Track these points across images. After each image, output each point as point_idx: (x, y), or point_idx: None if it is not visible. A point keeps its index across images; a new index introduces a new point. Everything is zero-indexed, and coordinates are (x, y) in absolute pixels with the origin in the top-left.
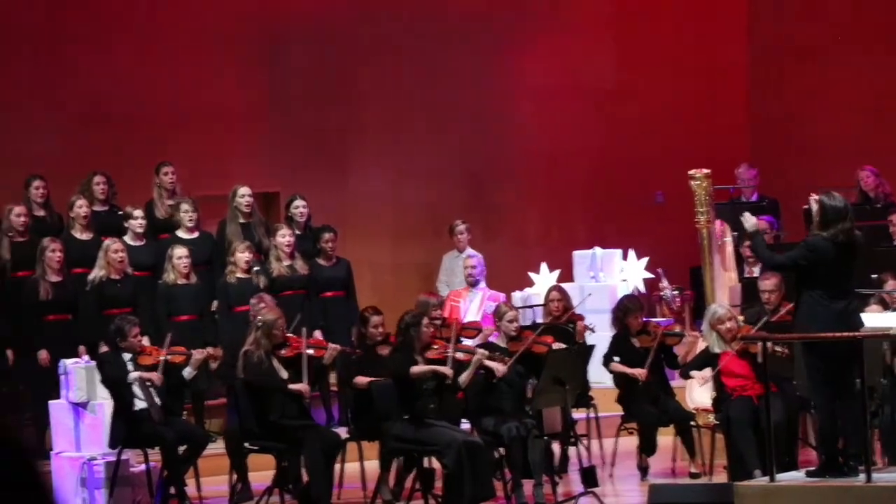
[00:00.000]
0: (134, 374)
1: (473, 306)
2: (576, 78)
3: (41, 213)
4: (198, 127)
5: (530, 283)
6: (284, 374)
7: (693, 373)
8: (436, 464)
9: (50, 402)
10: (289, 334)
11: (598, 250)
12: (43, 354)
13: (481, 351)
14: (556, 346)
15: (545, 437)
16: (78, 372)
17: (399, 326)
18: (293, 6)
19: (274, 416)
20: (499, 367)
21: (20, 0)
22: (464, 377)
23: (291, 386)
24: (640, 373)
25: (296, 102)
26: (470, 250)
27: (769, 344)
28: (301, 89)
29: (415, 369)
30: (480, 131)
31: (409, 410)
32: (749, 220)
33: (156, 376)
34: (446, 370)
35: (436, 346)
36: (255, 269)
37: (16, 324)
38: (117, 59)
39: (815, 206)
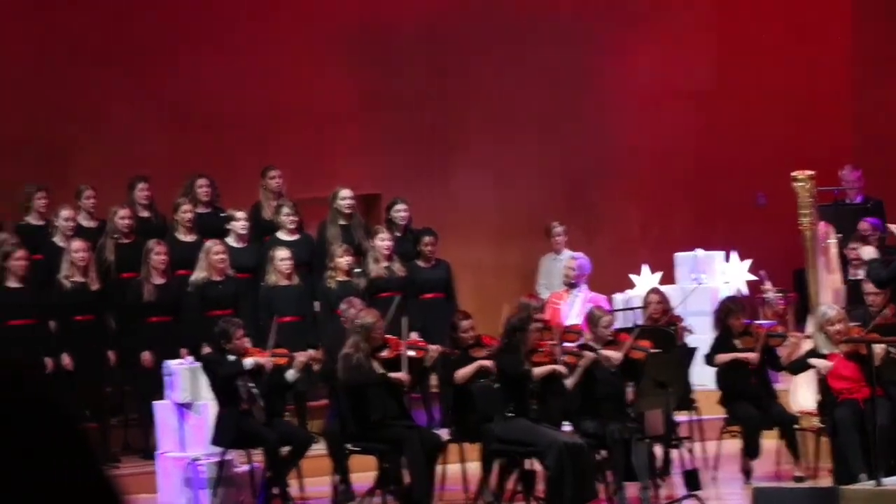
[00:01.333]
0: (249, 361)
1: (574, 309)
2: (677, 79)
3: (145, 214)
4: (301, 129)
5: (631, 285)
6: None
7: (814, 361)
8: (537, 465)
9: (155, 402)
10: (388, 336)
11: (700, 252)
12: (146, 356)
13: (589, 354)
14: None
15: (647, 440)
16: (182, 373)
17: (506, 329)
18: (400, 8)
19: (375, 416)
20: (613, 355)
21: (133, 4)
22: (570, 381)
23: (392, 374)
24: (752, 357)
25: (400, 104)
26: (568, 251)
27: (885, 347)
28: (405, 91)
29: (536, 371)
30: (582, 133)
31: (512, 411)
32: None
33: (268, 361)
34: (562, 369)
35: (542, 350)
36: (356, 270)
37: (120, 325)
38: (224, 60)
39: None
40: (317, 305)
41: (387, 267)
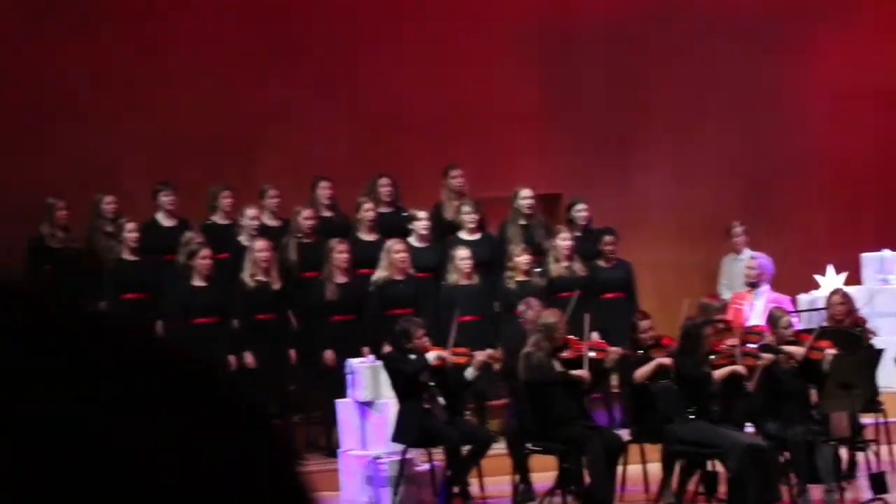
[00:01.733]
0: (431, 355)
1: (757, 309)
2: (868, 77)
3: (328, 214)
4: (483, 129)
5: (816, 286)
6: None
7: None
8: (719, 467)
9: (337, 401)
10: (569, 337)
11: (886, 252)
12: (328, 354)
13: (767, 355)
14: (829, 352)
15: (832, 443)
16: (364, 371)
17: (683, 330)
18: (584, 7)
19: (556, 415)
20: (798, 350)
21: (314, 5)
22: (750, 384)
23: (573, 371)
24: None
25: (583, 104)
26: (749, 251)
27: None
28: (589, 91)
29: (717, 373)
30: (768, 132)
31: (693, 413)
32: None
33: (450, 356)
34: (742, 370)
35: (721, 351)
36: (536, 270)
37: (302, 324)
38: (406, 61)
39: None
40: (497, 305)
41: (567, 267)
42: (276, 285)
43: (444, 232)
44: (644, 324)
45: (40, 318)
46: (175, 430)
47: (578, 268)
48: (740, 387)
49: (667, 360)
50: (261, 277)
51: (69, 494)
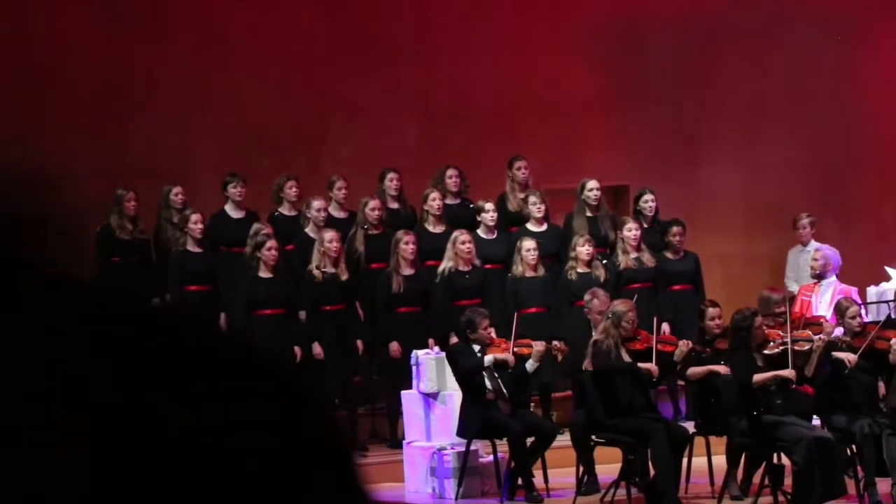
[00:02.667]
0: (488, 357)
1: (824, 301)
2: None
3: (395, 206)
4: (550, 120)
5: (887, 278)
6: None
7: None
8: (785, 460)
9: (402, 392)
10: (640, 330)
11: None
12: (395, 346)
13: (819, 337)
14: (879, 338)
15: None
16: (429, 363)
17: (731, 326)
18: (651, 0)
19: (621, 407)
20: (849, 357)
21: (388, 5)
22: (808, 369)
23: (641, 364)
24: None
25: (649, 95)
26: (815, 243)
27: None
28: (655, 82)
29: (757, 378)
30: (838, 122)
31: (756, 406)
32: None
33: (510, 357)
34: (788, 374)
35: (773, 341)
36: (604, 262)
37: (369, 315)
38: (475, 53)
39: None
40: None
41: (636, 258)
42: (345, 276)
43: (507, 223)
44: (712, 311)
45: (109, 314)
46: (236, 419)
47: (647, 259)
48: (801, 376)
49: (720, 369)
50: (329, 269)
51: (142, 484)
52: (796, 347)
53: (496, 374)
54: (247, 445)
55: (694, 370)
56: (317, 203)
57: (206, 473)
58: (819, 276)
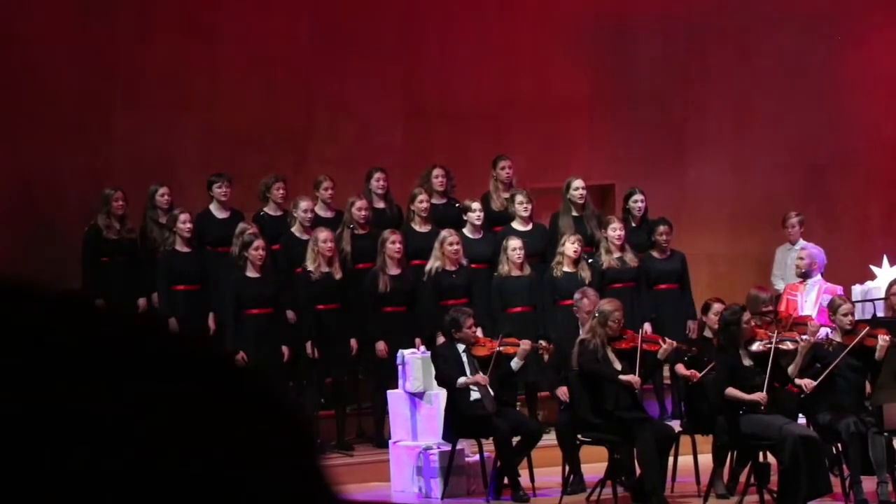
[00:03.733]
0: (462, 380)
1: (810, 300)
2: None
3: (381, 205)
4: (536, 119)
5: (872, 277)
6: (618, 366)
7: None
8: (771, 458)
9: (388, 391)
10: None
11: None
12: (381, 345)
13: (805, 338)
14: (883, 339)
15: (885, 434)
16: (415, 362)
17: (720, 324)
18: None
19: (607, 406)
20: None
21: (373, 4)
22: (792, 368)
23: (622, 377)
24: None
25: (635, 94)
26: (802, 242)
27: None
28: (641, 81)
29: (729, 392)
30: (822, 122)
31: (742, 406)
32: None
33: (482, 378)
34: (760, 398)
35: (761, 340)
36: (589, 261)
37: (355, 315)
38: (460, 52)
39: None
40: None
41: (618, 258)
42: (339, 275)
43: (491, 223)
44: (717, 306)
45: (53, 319)
46: (191, 420)
47: (630, 259)
48: (785, 375)
49: (690, 374)
50: (324, 268)
51: (93, 487)
52: (782, 347)
53: (474, 388)
54: (199, 446)
55: (681, 368)
56: (304, 203)
57: (155, 475)
58: (805, 276)
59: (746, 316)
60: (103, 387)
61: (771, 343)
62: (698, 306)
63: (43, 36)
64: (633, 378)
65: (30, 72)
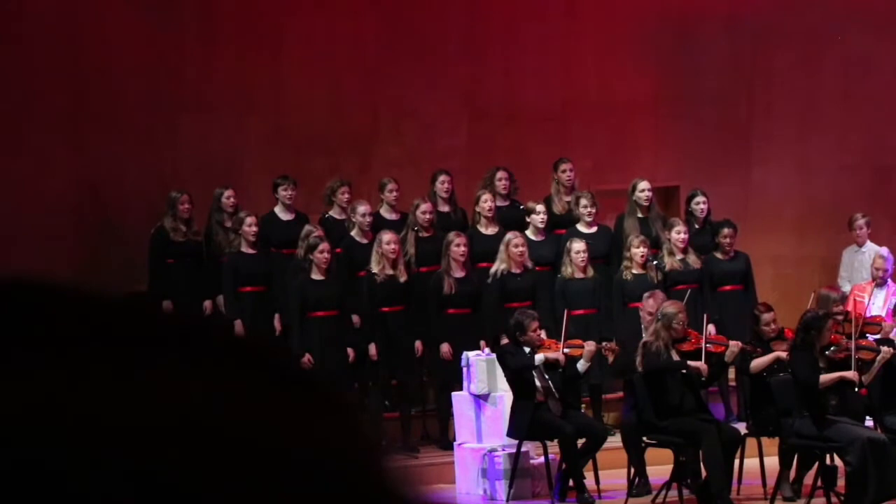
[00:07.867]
0: (539, 357)
1: (878, 301)
2: None
3: (446, 208)
4: (601, 121)
5: None
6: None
7: None
8: (838, 461)
9: (453, 393)
10: (690, 330)
11: None
12: (445, 347)
13: (886, 349)
14: None
15: None
16: (479, 364)
17: (802, 323)
18: None
19: (672, 409)
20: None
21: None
22: (867, 378)
23: (691, 363)
24: None
25: (700, 96)
26: (871, 244)
27: None
28: (706, 82)
29: (823, 379)
30: (891, 122)
31: (810, 407)
32: None
33: (561, 356)
34: (852, 375)
35: (837, 345)
36: (654, 262)
37: (420, 317)
38: (525, 54)
39: None
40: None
41: (682, 259)
42: (403, 278)
43: (553, 226)
44: (766, 316)
45: (126, 325)
46: (268, 422)
47: (693, 260)
48: (855, 383)
49: (784, 354)
50: (388, 270)
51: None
52: (861, 356)
53: (546, 376)
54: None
55: (758, 361)
56: (362, 208)
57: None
58: (882, 281)
59: (830, 323)
60: (196, 388)
61: (849, 349)
62: None
63: (111, 42)
64: (701, 364)
65: (98, 77)
